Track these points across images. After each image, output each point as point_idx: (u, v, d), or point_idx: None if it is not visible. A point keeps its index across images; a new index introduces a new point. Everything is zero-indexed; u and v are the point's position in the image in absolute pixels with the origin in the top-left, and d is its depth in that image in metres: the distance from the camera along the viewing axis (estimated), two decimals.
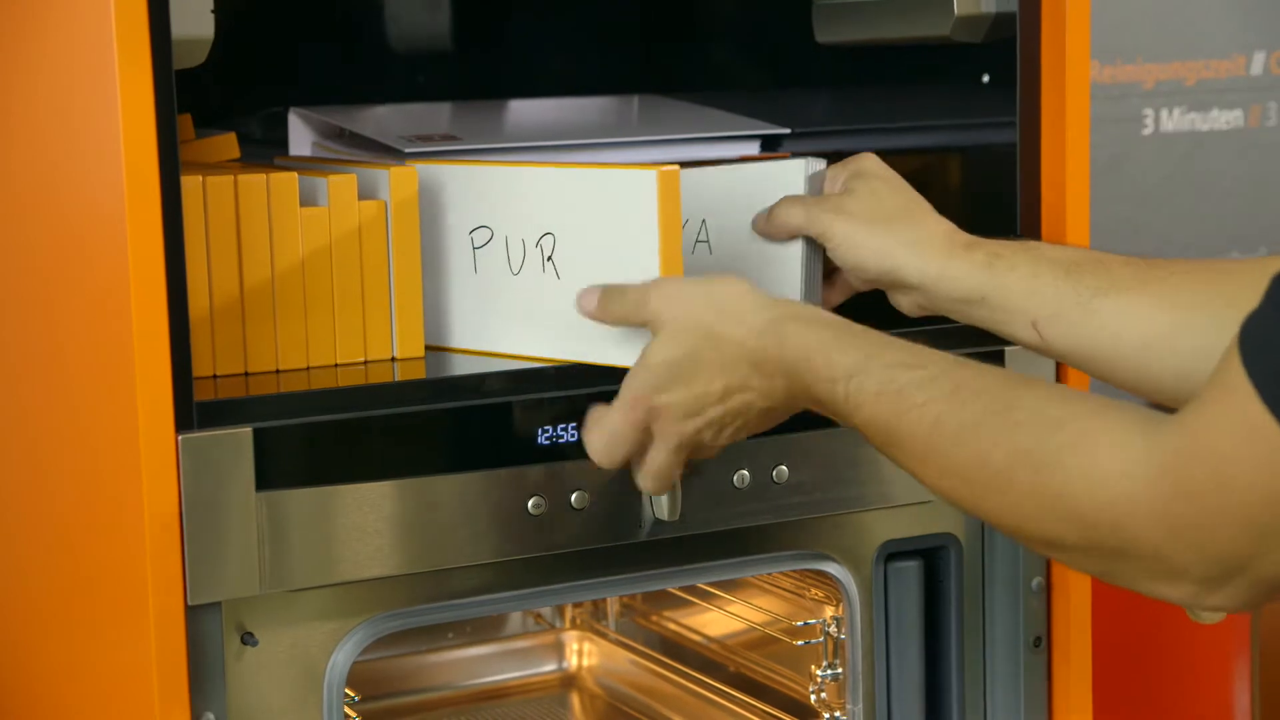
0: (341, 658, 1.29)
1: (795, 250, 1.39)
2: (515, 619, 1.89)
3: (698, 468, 1.31)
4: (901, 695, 1.49)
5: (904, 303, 1.37)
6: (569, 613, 1.90)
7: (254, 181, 1.32)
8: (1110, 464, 0.98)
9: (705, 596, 1.74)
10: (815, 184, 1.41)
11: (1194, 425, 0.95)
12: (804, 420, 1.40)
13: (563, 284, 1.32)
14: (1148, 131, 2.50)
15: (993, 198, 1.53)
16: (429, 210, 1.39)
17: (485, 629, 1.86)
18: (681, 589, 1.77)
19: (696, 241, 1.39)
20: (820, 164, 1.41)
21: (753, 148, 1.63)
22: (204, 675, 1.24)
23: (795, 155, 1.42)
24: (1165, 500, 0.95)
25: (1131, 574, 0.99)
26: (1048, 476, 1.02)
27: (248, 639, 1.26)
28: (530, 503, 1.31)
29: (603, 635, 1.87)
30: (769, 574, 1.56)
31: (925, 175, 1.53)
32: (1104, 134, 2.41)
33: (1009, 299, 1.30)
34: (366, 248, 1.37)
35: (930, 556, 1.50)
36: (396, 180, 1.36)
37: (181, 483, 1.21)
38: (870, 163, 1.39)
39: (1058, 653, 1.52)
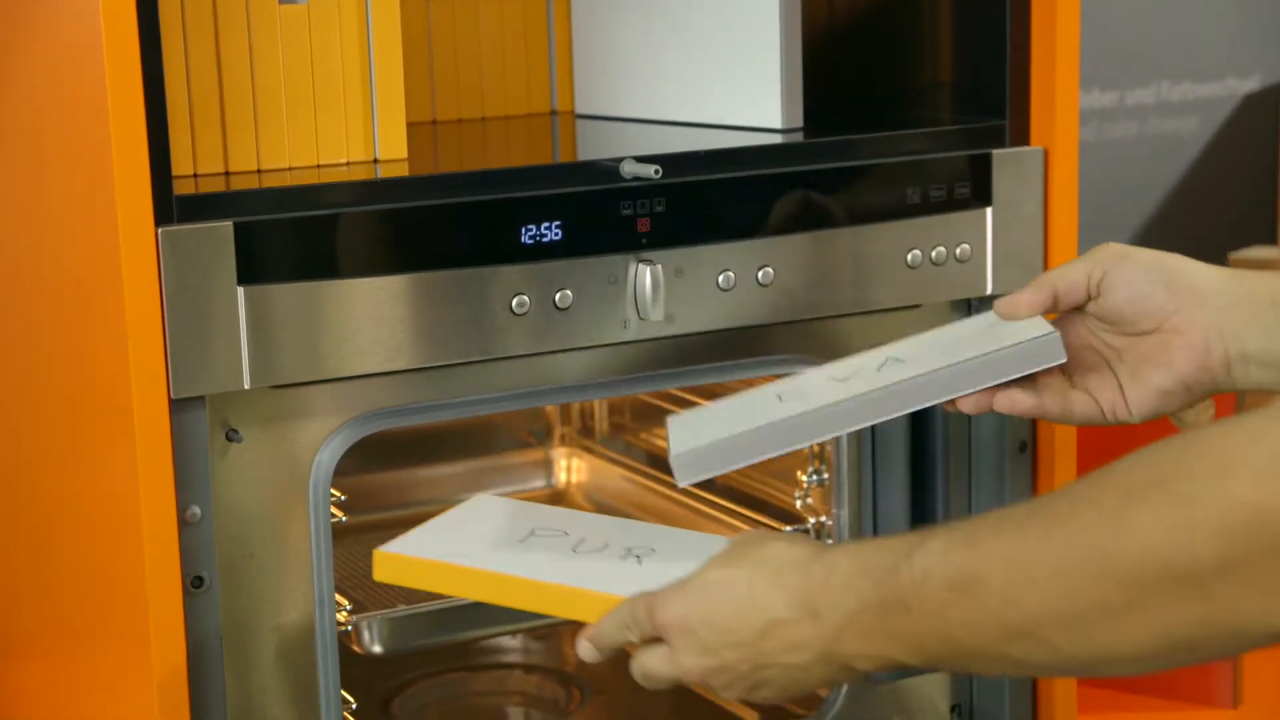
0: (327, 456, 1.30)
1: None
2: (504, 437, 1.90)
3: None
4: (887, 500, 1.50)
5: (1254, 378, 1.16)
6: (558, 430, 1.91)
7: None
8: (1237, 446, 0.86)
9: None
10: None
11: None
12: (789, 221, 1.40)
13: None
14: None
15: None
16: None
17: (474, 446, 1.87)
18: (669, 401, 1.77)
19: None
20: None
21: None
22: (189, 470, 1.24)
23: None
24: None
25: (1276, 581, 0.85)
26: (1171, 495, 0.87)
27: (232, 435, 1.27)
28: (514, 301, 1.31)
29: (591, 452, 1.88)
30: (755, 378, 1.56)
31: None
32: None
33: None
34: (347, 47, 1.35)
35: None
36: None
37: (162, 276, 1.20)
38: (1114, 249, 1.19)
39: (1043, 458, 1.53)
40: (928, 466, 1.51)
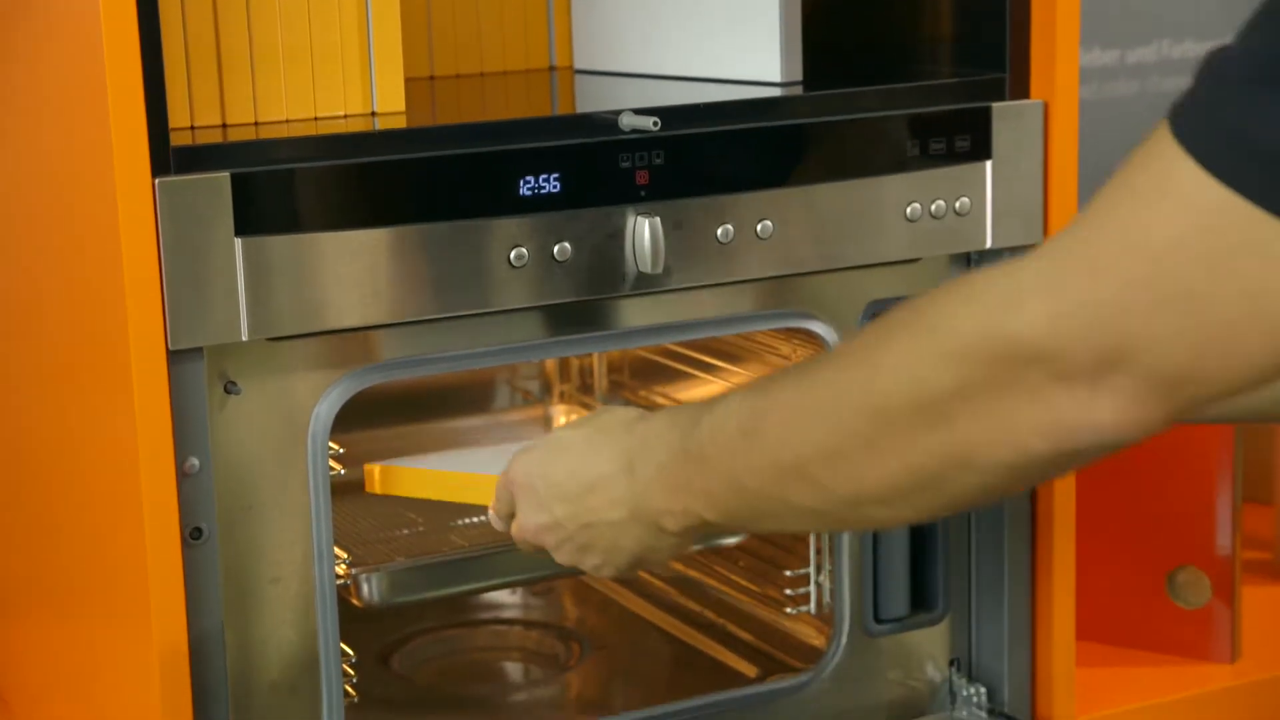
0: (325, 409, 1.30)
1: None
2: (503, 394, 1.90)
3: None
4: None
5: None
6: (556, 388, 1.91)
7: None
8: (986, 281, 0.87)
9: (691, 364, 1.74)
10: None
11: (1096, 204, 0.83)
12: (788, 174, 1.40)
13: None
14: None
15: None
16: None
17: (472, 403, 1.87)
18: (667, 358, 1.77)
19: None
20: None
21: None
22: (187, 422, 1.24)
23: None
24: (1058, 281, 0.83)
25: (1009, 408, 0.85)
26: (920, 325, 0.90)
27: (231, 388, 1.27)
28: (512, 254, 1.31)
29: (589, 408, 1.87)
30: (753, 331, 1.56)
31: None
32: None
33: None
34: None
35: None
36: None
37: (160, 227, 1.20)
38: None
39: None
40: None
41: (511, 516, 1.23)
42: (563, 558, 1.20)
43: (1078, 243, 0.83)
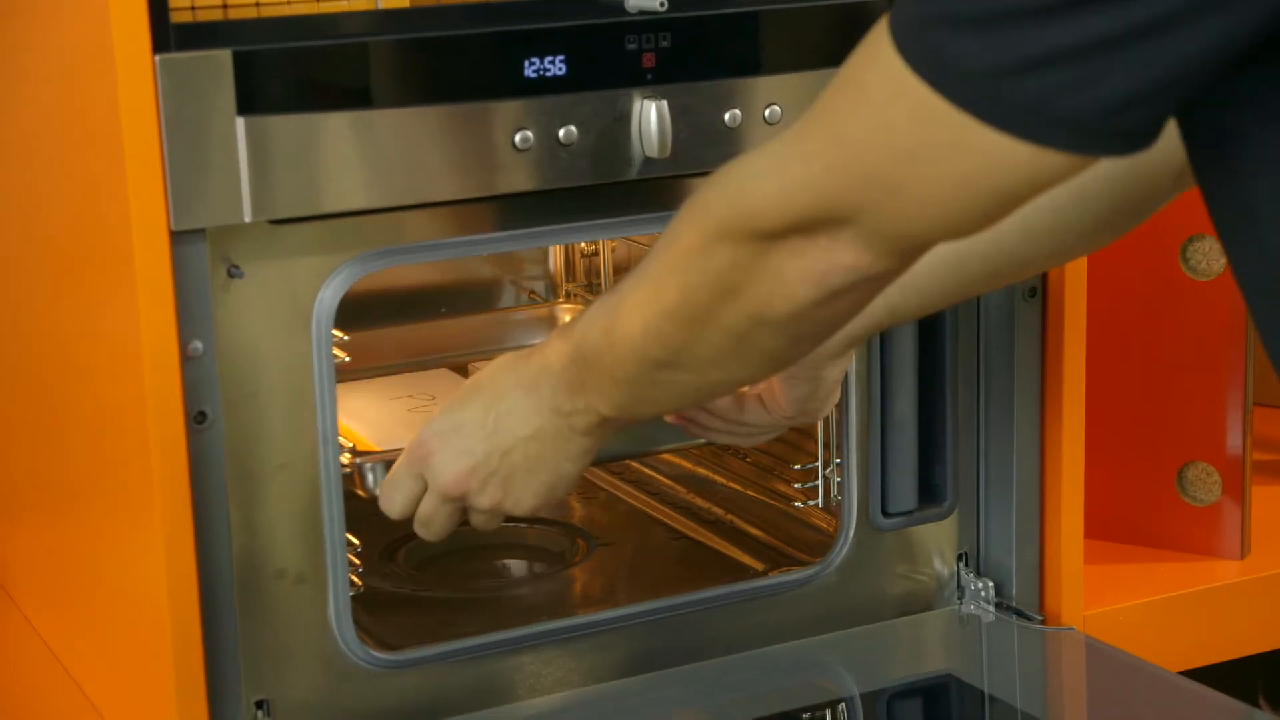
0: (329, 294, 1.28)
1: None
2: (508, 293, 1.89)
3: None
4: (896, 343, 1.49)
5: None
6: (562, 287, 1.90)
7: None
8: (739, 167, 1.03)
9: None
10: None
11: (823, 95, 0.96)
12: (795, 58, 1.38)
13: None
14: None
15: None
16: None
17: (477, 302, 1.86)
18: None
19: None
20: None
21: None
22: (190, 305, 1.23)
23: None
24: (785, 167, 0.97)
25: (776, 266, 1.00)
26: (696, 213, 1.05)
27: (234, 271, 1.25)
28: (517, 137, 1.29)
29: None
30: None
31: None
32: None
33: None
34: None
35: None
36: None
37: (161, 105, 1.18)
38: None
39: (1052, 303, 1.51)
40: (935, 320, 1.50)
41: (417, 495, 1.28)
42: (484, 500, 1.25)
43: (801, 133, 0.97)
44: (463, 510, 1.28)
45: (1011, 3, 0.83)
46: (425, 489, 1.28)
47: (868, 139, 0.92)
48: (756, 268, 1.01)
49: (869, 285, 1.00)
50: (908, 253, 0.98)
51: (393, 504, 1.29)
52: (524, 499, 1.25)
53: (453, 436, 1.24)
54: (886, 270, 0.99)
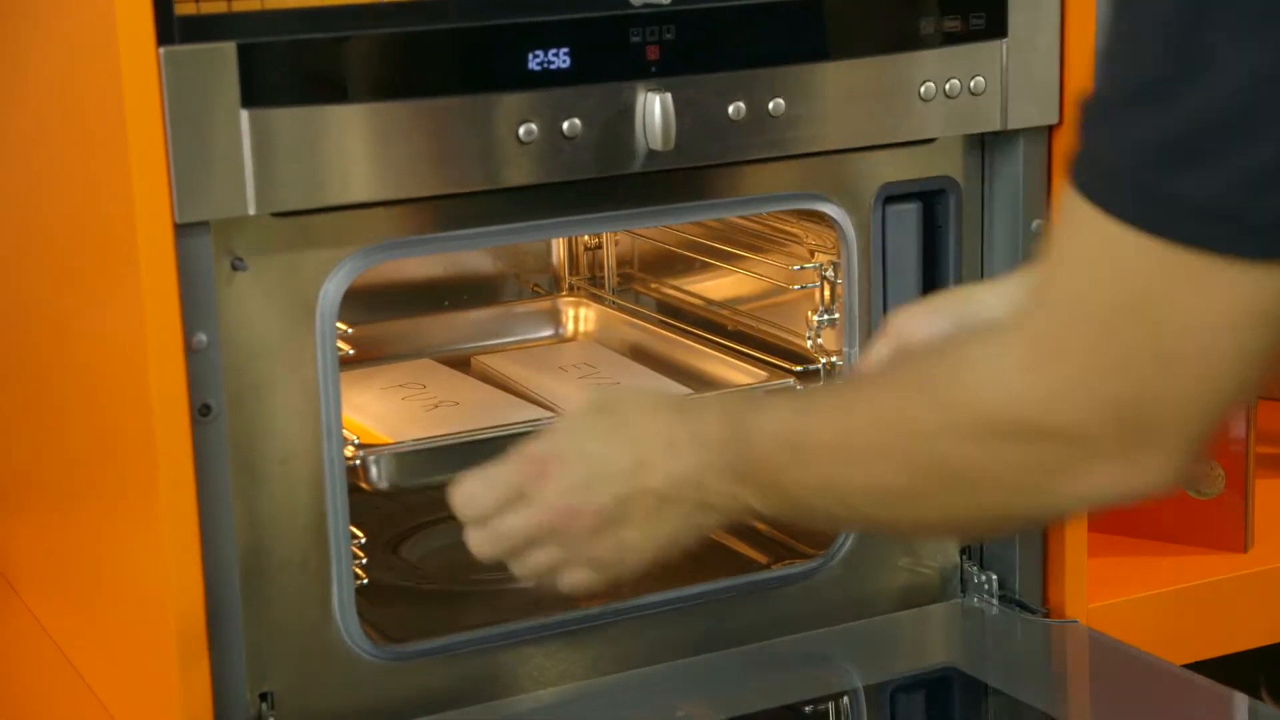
0: (333, 287, 1.29)
1: None
2: (512, 287, 1.89)
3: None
4: None
5: None
6: (566, 281, 1.90)
7: None
8: (986, 362, 0.93)
9: (704, 253, 1.73)
10: None
11: (1043, 278, 0.88)
12: (801, 50, 1.38)
13: None
14: None
15: None
16: None
17: (481, 295, 1.86)
18: (679, 247, 1.76)
19: None
20: None
21: None
22: (194, 297, 1.23)
23: None
24: (1041, 364, 0.88)
25: (1050, 488, 0.91)
26: (940, 393, 0.95)
27: (238, 264, 1.26)
28: (521, 130, 1.29)
29: (599, 301, 1.86)
30: (764, 213, 1.55)
31: None
32: None
33: None
34: None
35: (929, 199, 1.49)
36: None
37: (165, 97, 1.18)
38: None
39: None
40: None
41: (504, 504, 1.14)
42: (589, 545, 1.12)
43: (1043, 315, 0.88)
44: (552, 556, 1.15)
45: (1214, 120, 0.78)
46: (517, 501, 1.14)
47: (1114, 310, 0.84)
48: (1015, 477, 0.92)
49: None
50: (1200, 445, 0.88)
51: (473, 502, 1.16)
52: (628, 553, 1.13)
53: (577, 465, 1.12)
54: (1178, 478, 0.89)
